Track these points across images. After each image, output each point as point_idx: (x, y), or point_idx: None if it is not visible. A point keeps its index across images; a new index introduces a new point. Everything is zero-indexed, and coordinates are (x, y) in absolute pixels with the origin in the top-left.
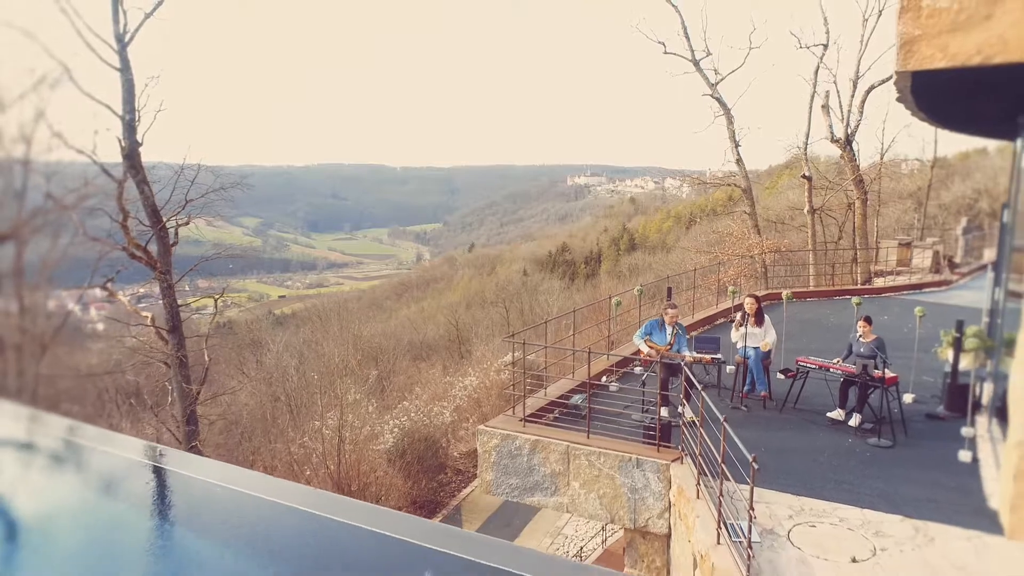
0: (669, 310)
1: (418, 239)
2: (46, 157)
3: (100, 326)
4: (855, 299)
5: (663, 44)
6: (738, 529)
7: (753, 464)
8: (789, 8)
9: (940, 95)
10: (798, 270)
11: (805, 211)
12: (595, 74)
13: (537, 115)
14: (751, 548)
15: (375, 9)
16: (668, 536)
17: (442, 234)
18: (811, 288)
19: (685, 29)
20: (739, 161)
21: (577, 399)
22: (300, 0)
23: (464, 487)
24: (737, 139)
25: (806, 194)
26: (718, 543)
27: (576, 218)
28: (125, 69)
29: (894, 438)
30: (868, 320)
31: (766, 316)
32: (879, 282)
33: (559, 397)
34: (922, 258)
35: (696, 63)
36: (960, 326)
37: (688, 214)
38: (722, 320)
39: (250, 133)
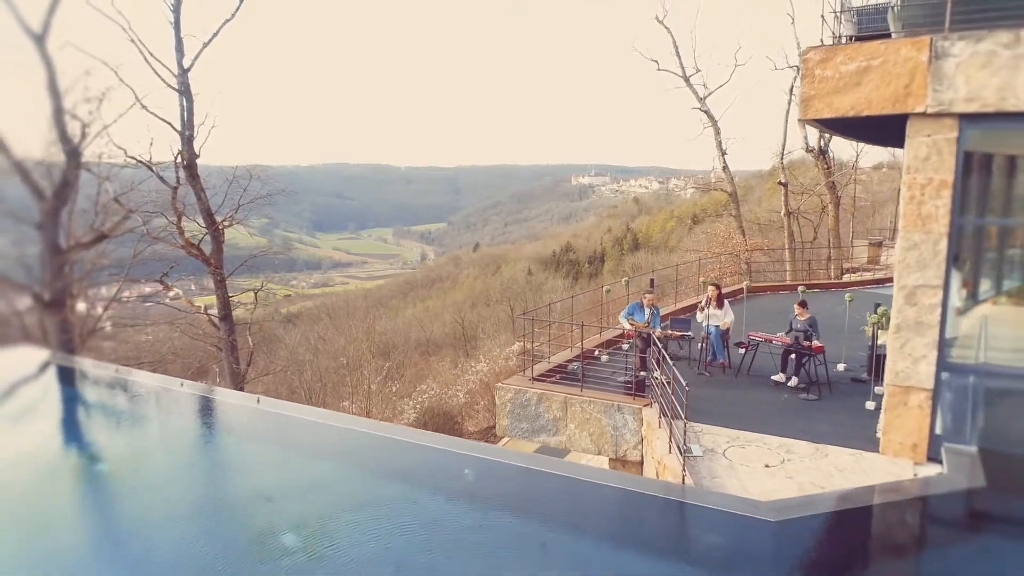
0: (647, 295)
1: (422, 239)
2: (100, 164)
3: (108, 325)
4: (801, 288)
5: (656, 62)
6: (684, 446)
7: (686, 387)
8: (771, 29)
9: (849, 126)
10: (779, 266)
11: (782, 214)
12: (599, 74)
13: (541, 115)
14: (687, 445)
15: (378, 9)
16: (641, 463)
17: (446, 234)
18: (786, 283)
19: (676, 48)
20: (725, 168)
21: (575, 365)
22: (303, 0)
23: None
24: (724, 148)
25: (783, 198)
26: (669, 452)
27: (580, 218)
28: (185, 92)
29: (820, 394)
30: (803, 304)
31: (725, 301)
32: (847, 278)
33: (560, 363)
34: (889, 256)
35: (687, 79)
36: (876, 308)
37: (691, 214)
38: None
39: (254, 132)
